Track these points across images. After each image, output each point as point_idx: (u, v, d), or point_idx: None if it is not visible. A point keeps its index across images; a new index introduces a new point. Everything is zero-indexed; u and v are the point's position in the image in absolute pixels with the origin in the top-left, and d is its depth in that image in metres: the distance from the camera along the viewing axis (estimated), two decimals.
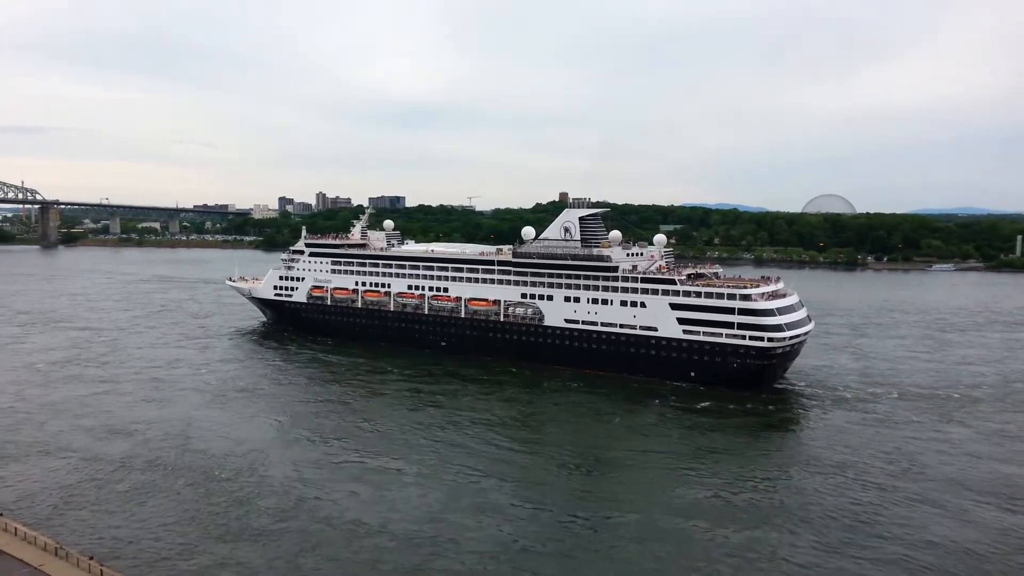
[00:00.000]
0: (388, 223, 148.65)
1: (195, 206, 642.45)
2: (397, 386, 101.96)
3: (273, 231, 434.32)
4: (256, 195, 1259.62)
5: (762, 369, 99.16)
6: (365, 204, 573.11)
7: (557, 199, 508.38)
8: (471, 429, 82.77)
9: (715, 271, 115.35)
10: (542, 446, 77.64)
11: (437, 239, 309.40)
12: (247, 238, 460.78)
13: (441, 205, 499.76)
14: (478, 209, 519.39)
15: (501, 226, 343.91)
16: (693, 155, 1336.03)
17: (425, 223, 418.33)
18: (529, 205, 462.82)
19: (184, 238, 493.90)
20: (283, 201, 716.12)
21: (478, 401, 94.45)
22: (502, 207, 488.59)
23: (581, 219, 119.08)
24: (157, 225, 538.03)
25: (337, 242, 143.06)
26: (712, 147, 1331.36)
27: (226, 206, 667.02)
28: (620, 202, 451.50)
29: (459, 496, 65.28)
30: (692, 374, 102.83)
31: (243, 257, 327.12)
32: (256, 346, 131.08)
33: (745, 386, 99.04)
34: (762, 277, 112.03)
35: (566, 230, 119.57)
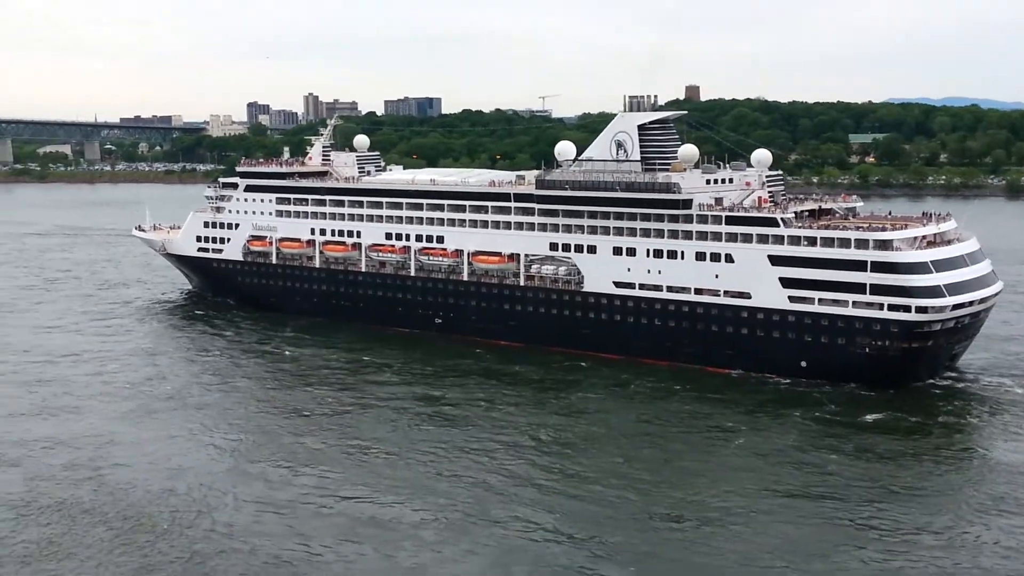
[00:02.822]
0: (361, 139, 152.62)
1: (123, 119, 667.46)
2: (396, 390, 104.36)
3: (240, 155, 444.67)
4: (215, 102, 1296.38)
5: (911, 355, 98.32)
6: (380, 111, 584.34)
7: (683, 96, 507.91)
8: (519, 457, 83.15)
9: (851, 206, 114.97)
10: (628, 482, 77.73)
11: (492, 163, 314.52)
12: (202, 166, 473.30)
13: (497, 110, 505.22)
14: (556, 116, 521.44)
15: (591, 141, 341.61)
16: (905, 21, 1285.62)
17: (472, 138, 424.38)
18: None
19: (108, 168, 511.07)
20: (255, 109, 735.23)
21: (526, 413, 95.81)
22: (593, 111, 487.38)
23: (641, 128, 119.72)
24: (67, 149, 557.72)
25: (284, 170, 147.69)
26: (939, 3, 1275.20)
27: (169, 119, 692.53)
28: (782, 99, 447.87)
29: (511, 563, 65.11)
30: (803, 364, 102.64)
31: (196, 196, 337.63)
32: (184, 329, 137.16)
33: (884, 381, 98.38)
34: (923, 214, 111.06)
35: (619, 146, 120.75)
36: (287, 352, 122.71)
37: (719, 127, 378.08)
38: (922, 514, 71.52)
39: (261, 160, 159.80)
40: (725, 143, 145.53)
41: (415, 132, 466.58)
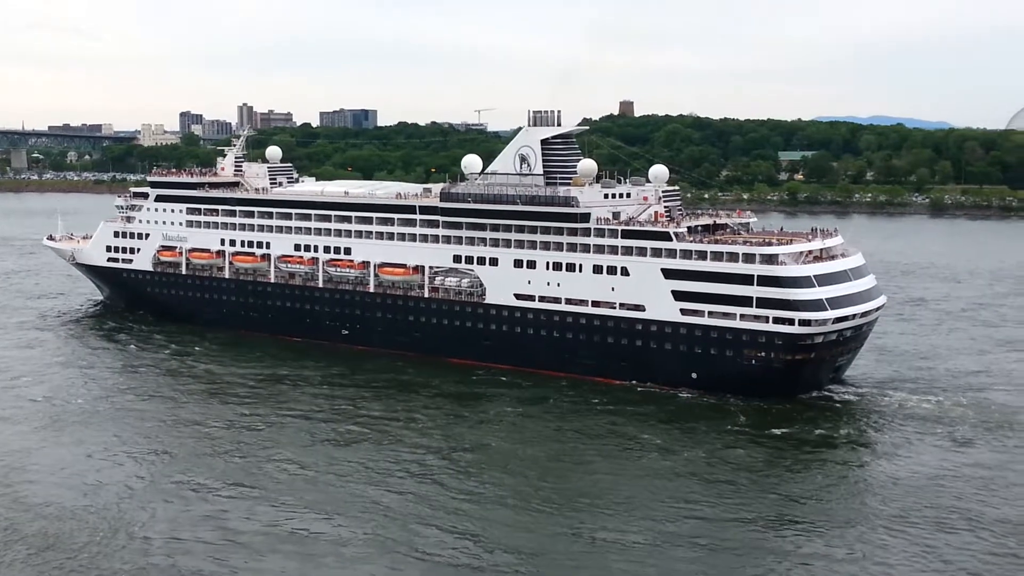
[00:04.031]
0: (273, 151, 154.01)
1: (52, 127, 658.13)
2: (314, 405, 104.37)
3: (171, 165, 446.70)
4: (146, 110, 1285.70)
5: (795, 367, 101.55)
6: (315, 123, 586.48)
7: (617, 112, 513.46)
8: (438, 476, 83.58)
9: (744, 221, 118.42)
10: (544, 503, 78.81)
11: (427, 176, 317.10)
12: (132, 176, 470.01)
13: (433, 123, 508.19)
14: (491, 129, 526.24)
15: None
16: (832, 37, 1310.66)
17: (408, 151, 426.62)
18: (574, 121, 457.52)
19: (35, 177, 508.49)
20: (188, 119, 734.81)
21: (445, 429, 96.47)
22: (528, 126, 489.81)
23: (544, 143, 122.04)
24: None
25: (195, 180, 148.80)
26: (866, 23, 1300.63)
27: (99, 127, 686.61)
28: (714, 115, 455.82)
29: None
30: (693, 375, 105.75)
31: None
32: (99, 341, 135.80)
33: (771, 392, 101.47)
34: (812, 230, 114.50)
35: (523, 159, 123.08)
36: (204, 367, 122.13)
37: (652, 142, 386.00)
38: (831, 528, 73.16)
39: (173, 170, 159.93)
40: (622, 156, 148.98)
41: (350, 144, 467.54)
